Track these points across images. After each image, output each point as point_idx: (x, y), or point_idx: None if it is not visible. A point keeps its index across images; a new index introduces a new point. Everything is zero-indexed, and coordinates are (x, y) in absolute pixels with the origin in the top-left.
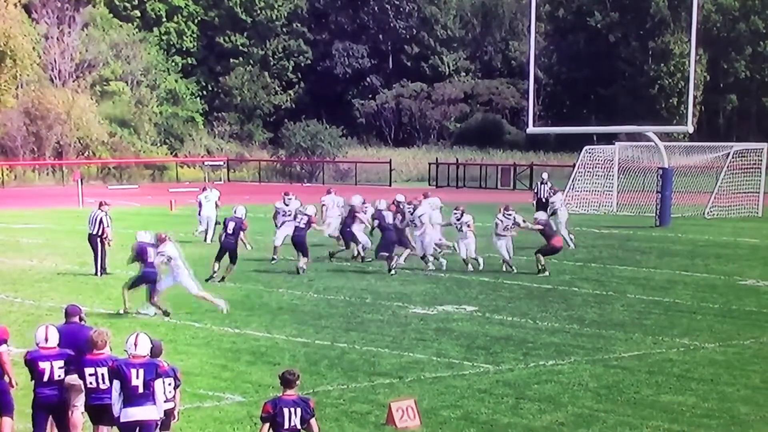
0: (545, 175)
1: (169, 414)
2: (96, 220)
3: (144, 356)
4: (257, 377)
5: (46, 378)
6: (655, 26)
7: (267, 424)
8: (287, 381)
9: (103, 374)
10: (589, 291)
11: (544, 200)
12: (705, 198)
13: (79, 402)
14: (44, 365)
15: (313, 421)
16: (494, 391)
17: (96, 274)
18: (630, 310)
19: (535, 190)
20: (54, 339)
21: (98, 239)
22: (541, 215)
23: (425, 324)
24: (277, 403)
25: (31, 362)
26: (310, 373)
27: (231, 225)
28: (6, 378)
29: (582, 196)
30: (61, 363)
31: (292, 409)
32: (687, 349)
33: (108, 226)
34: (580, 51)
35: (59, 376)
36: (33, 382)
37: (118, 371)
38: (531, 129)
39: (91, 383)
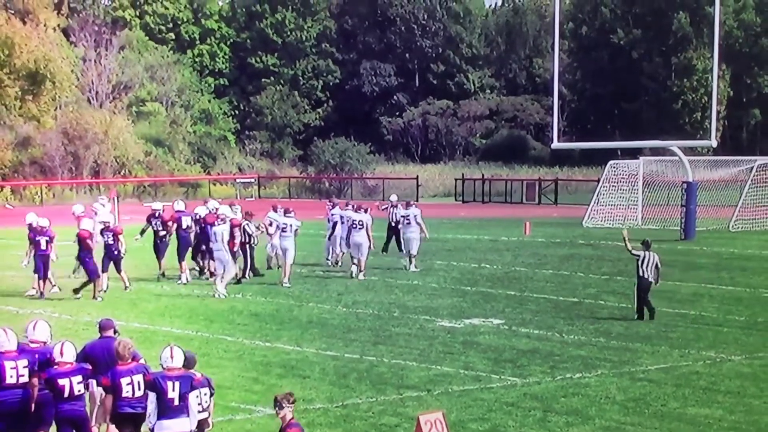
0: (394, 198)
1: (203, 423)
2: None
3: (179, 368)
4: (288, 390)
5: (66, 394)
6: (677, 42)
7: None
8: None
9: (138, 381)
10: (615, 304)
11: (394, 224)
12: (729, 211)
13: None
14: (63, 382)
15: None
16: (521, 404)
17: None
18: (656, 323)
19: (388, 214)
20: (70, 355)
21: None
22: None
23: (452, 337)
24: None
25: (50, 380)
26: (340, 386)
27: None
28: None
29: (607, 210)
30: (79, 378)
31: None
32: (713, 361)
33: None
34: (603, 67)
35: (79, 390)
36: (54, 399)
37: (155, 384)
38: (556, 144)
39: (127, 392)
